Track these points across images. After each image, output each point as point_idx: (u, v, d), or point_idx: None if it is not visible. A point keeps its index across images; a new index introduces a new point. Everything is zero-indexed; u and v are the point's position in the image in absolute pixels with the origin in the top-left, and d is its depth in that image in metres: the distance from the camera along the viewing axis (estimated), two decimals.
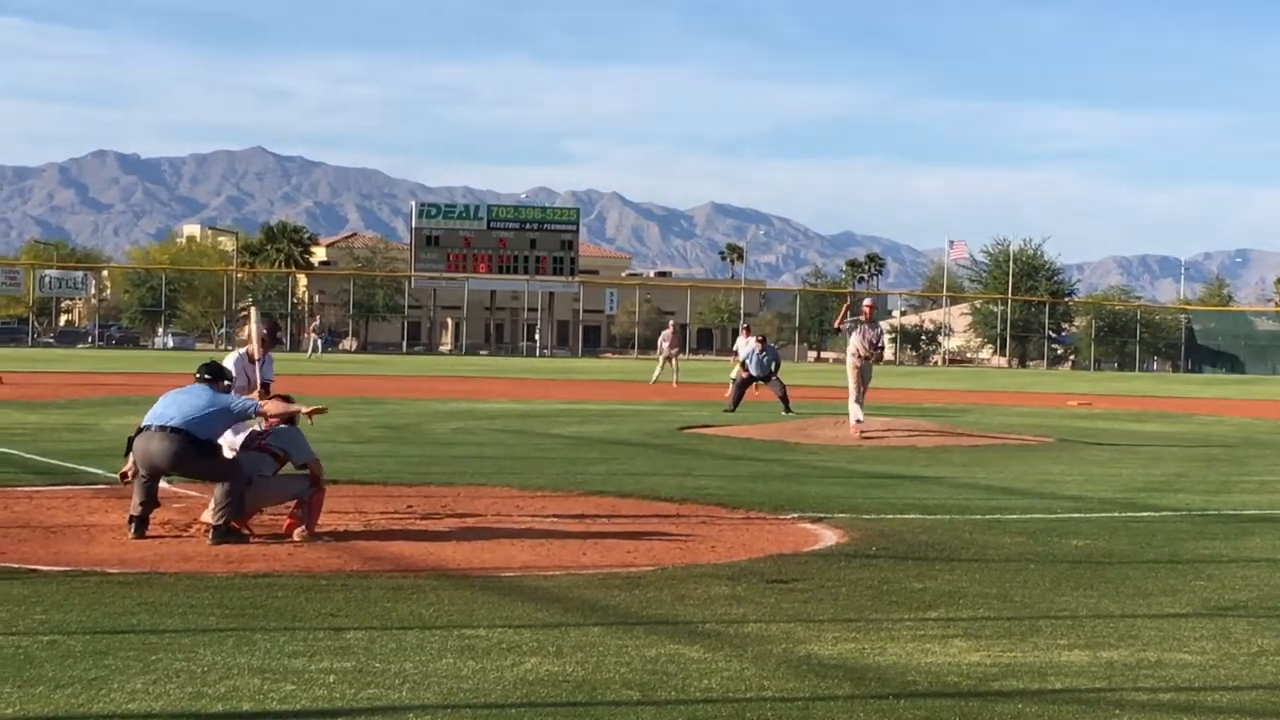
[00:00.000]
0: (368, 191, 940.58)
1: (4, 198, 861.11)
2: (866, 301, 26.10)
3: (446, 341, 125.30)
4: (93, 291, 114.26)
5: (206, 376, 12.13)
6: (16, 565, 10.34)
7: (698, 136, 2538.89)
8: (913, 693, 7.20)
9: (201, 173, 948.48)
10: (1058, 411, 36.51)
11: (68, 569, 10.22)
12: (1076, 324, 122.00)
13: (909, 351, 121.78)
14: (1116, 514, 15.06)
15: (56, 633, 8.11)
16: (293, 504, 12.09)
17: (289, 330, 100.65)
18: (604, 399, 37.46)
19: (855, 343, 24.48)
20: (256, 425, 12.52)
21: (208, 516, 11.83)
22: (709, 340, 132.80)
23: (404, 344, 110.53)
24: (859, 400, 24.25)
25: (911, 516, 14.13)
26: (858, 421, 24.01)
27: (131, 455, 11.84)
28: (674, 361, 48.40)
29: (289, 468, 12.37)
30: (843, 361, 26.32)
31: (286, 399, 12.82)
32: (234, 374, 12.91)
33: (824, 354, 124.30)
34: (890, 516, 14.10)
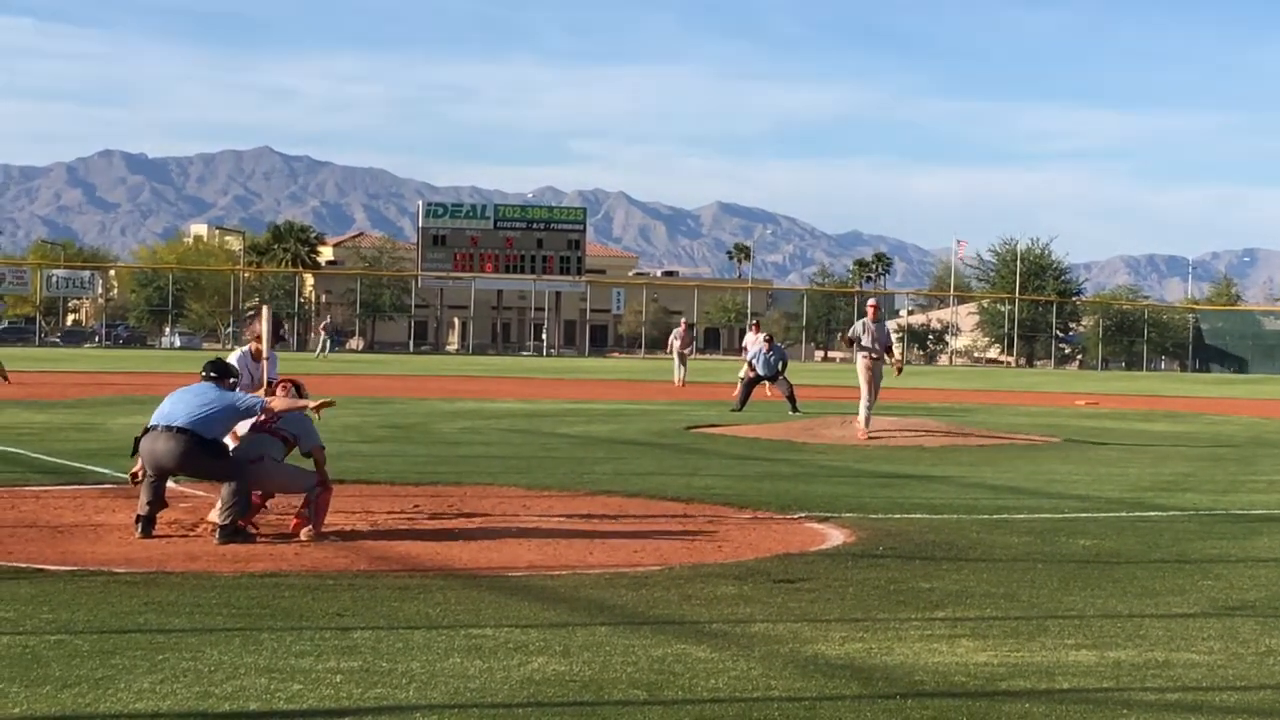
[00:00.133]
0: (374, 191, 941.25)
1: (11, 197, 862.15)
2: (871, 301, 26.00)
3: (453, 341, 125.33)
4: (100, 291, 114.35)
5: (213, 375, 12.13)
6: (23, 565, 10.35)
7: (702, 136, 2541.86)
8: (920, 692, 7.19)
9: (208, 172, 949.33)
10: (1065, 411, 36.49)
11: (75, 568, 10.22)
12: (1084, 323, 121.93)
13: (916, 351, 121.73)
14: (1124, 514, 15.04)
15: (63, 632, 8.12)
16: (299, 504, 12.10)
17: (295, 330, 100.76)
18: (611, 399, 37.46)
19: (866, 343, 24.24)
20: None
21: (214, 516, 11.84)
22: (716, 340, 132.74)
23: (411, 343, 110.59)
24: (869, 407, 24.08)
25: (918, 516, 14.12)
26: (864, 427, 23.91)
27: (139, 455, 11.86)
28: (684, 361, 48.32)
29: (294, 456, 12.41)
30: (849, 361, 26.24)
31: (297, 385, 12.83)
32: (238, 370, 12.93)
33: (831, 354, 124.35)
34: (897, 516, 14.09)
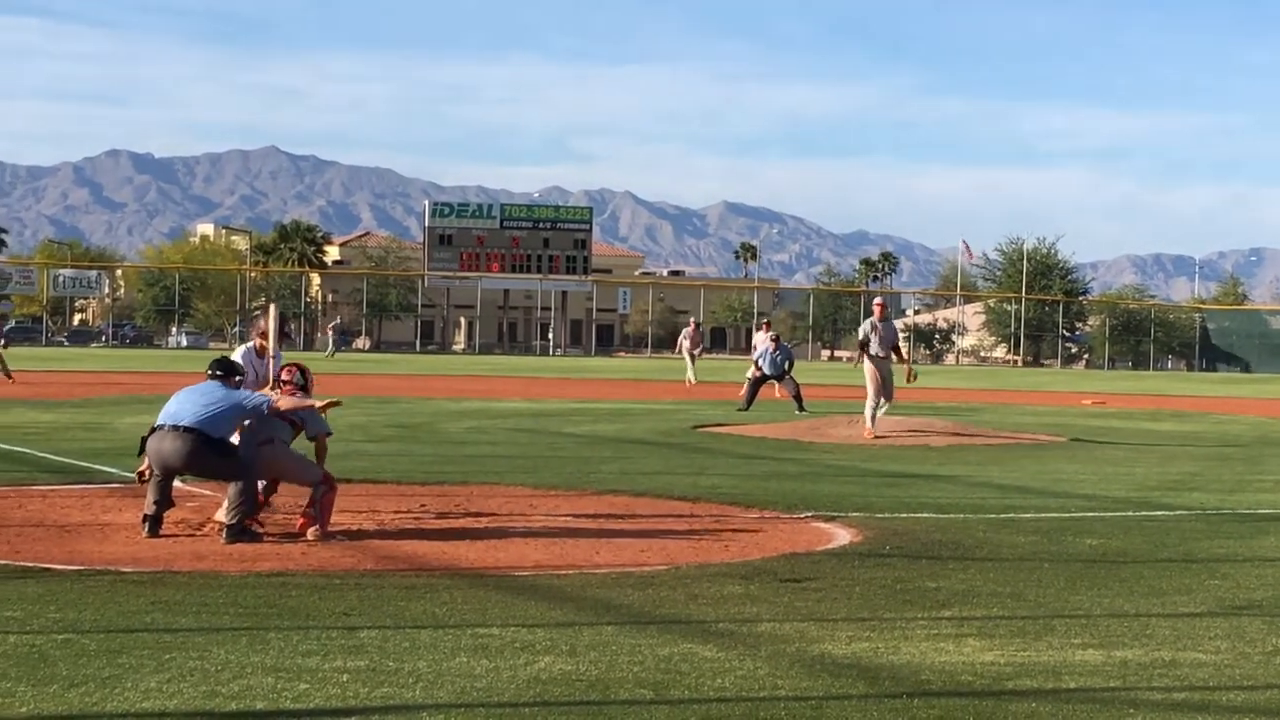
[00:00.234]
0: (381, 190, 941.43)
1: (18, 197, 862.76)
2: (878, 300, 25.95)
3: (460, 340, 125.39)
4: (106, 291, 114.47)
5: (218, 373, 12.13)
6: (31, 564, 10.36)
7: (707, 136, 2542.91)
8: (927, 692, 7.19)
9: (215, 172, 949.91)
10: (1072, 410, 36.45)
11: (82, 568, 10.24)
12: (1090, 323, 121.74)
13: (923, 350, 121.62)
14: (1131, 513, 15.03)
15: (70, 631, 8.12)
16: (305, 503, 12.11)
17: (302, 329, 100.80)
18: (617, 398, 37.46)
19: (874, 346, 24.20)
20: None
21: (221, 515, 11.84)
22: (722, 339, 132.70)
23: (417, 343, 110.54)
24: (875, 408, 24.05)
25: (925, 515, 14.11)
26: (870, 427, 23.88)
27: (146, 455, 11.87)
28: (691, 360, 48.29)
29: (300, 443, 12.45)
30: (854, 359, 26.18)
31: (302, 370, 12.84)
32: (243, 368, 12.95)
33: (838, 353, 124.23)
34: (904, 515, 14.08)
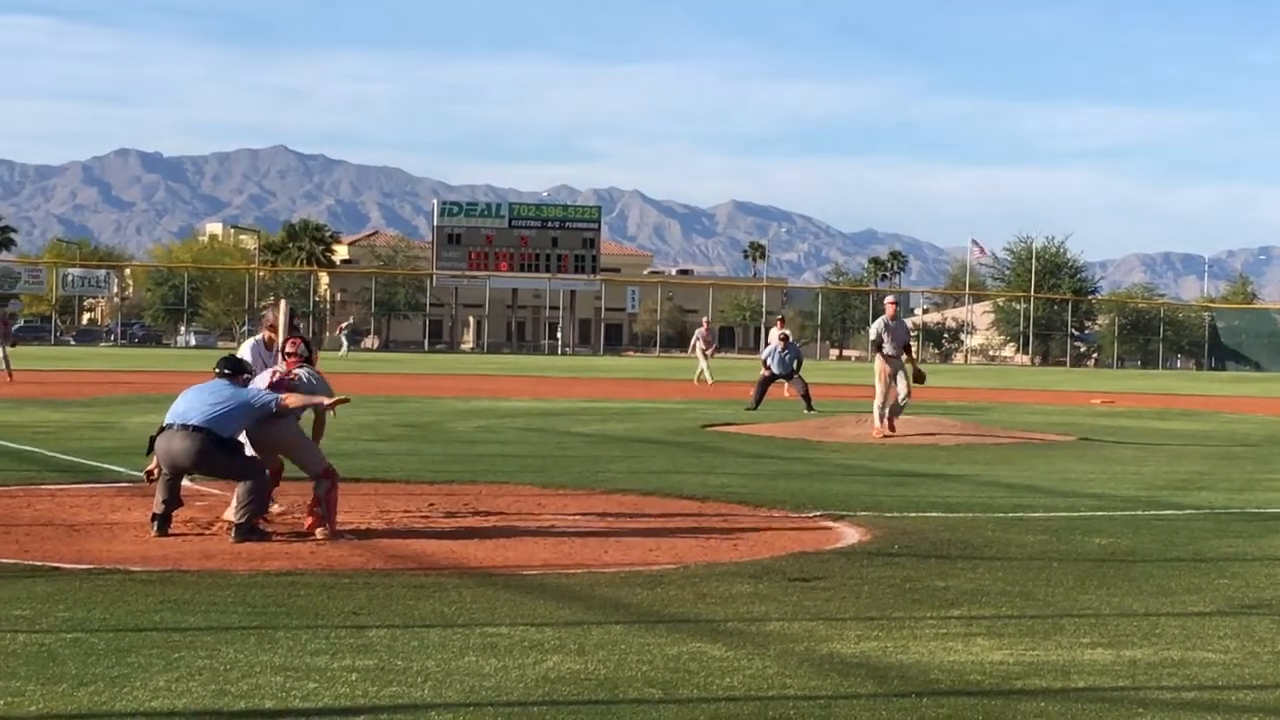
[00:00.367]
0: (389, 190, 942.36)
1: (27, 196, 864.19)
2: (889, 299, 25.92)
3: (468, 340, 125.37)
4: (115, 290, 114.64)
5: (226, 372, 12.13)
6: (40, 563, 10.37)
7: (716, 135, 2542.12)
8: (935, 691, 7.18)
9: (224, 171, 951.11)
10: (1081, 409, 36.41)
11: (90, 567, 10.24)
12: (1099, 322, 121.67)
13: (931, 349, 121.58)
14: (1139, 512, 15.01)
15: (79, 630, 8.13)
16: (311, 501, 12.10)
17: (311, 328, 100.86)
18: (626, 397, 37.46)
19: (886, 346, 24.17)
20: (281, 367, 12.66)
21: (230, 515, 11.86)
22: (731, 338, 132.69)
23: (426, 342, 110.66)
24: (883, 405, 24.02)
25: (934, 514, 14.10)
26: (879, 426, 23.86)
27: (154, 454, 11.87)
28: (704, 359, 48.24)
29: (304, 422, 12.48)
30: (864, 359, 26.15)
31: (307, 343, 12.84)
32: (250, 361, 12.94)
33: (846, 352, 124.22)
34: (912, 514, 14.07)
